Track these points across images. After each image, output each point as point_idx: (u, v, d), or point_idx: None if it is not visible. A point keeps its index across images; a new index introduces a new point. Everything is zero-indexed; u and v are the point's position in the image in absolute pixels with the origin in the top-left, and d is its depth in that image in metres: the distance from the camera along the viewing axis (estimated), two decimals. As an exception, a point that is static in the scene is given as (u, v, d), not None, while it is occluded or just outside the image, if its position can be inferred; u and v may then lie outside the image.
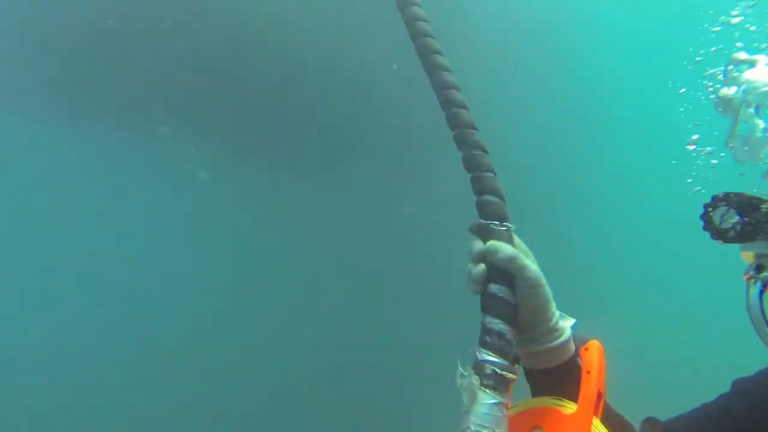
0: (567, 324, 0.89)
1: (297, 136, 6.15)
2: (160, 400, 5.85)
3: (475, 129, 0.86)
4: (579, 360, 0.88)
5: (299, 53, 5.41)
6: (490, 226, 0.85)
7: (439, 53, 0.82)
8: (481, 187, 0.86)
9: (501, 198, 0.87)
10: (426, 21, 0.81)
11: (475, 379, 0.76)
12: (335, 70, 5.64)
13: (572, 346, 0.88)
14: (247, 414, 5.99)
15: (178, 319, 6.20)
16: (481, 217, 0.86)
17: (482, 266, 0.83)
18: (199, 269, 6.48)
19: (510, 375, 0.79)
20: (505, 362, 0.79)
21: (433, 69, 0.83)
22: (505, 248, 0.83)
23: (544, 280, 0.84)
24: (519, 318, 0.83)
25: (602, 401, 0.85)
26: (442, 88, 0.84)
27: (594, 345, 0.89)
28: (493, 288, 0.83)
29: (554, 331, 0.86)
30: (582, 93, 10.51)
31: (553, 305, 0.87)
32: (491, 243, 0.83)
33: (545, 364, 0.87)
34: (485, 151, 0.87)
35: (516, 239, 0.87)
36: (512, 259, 0.82)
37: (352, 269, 6.54)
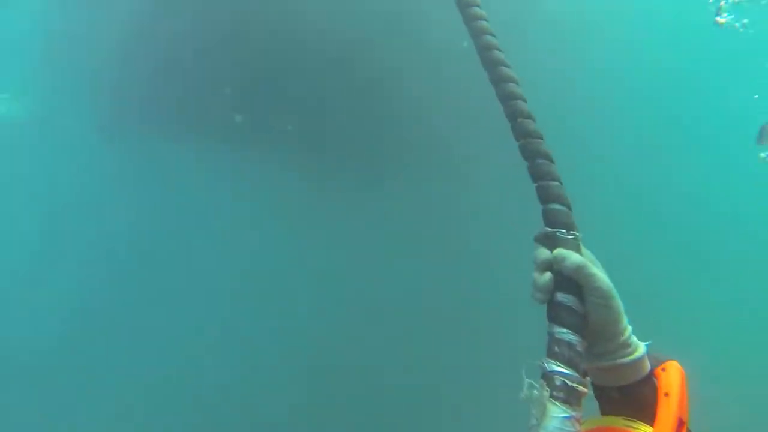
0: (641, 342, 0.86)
1: (351, 151, 6.24)
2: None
3: (541, 138, 0.86)
4: (655, 381, 0.83)
5: (353, 66, 5.49)
6: (557, 234, 0.84)
7: (505, 65, 0.83)
8: (546, 195, 0.86)
9: (567, 206, 0.86)
10: (492, 34, 0.83)
11: (546, 391, 0.75)
12: (387, 82, 5.67)
13: (647, 365, 0.84)
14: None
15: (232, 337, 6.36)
16: (546, 226, 0.86)
17: (548, 275, 0.82)
18: (254, 286, 6.64)
19: (581, 388, 0.76)
20: (575, 374, 0.77)
21: (498, 80, 0.84)
22: (572, 256, 0.81)
23: (614, 292, 0.82)
24: (588, 330, 0.81)
25: (685, 429, 0.80)
26: (507, 99, 0.85)
27: (674, 366, 0.84)
28: (560, 297, 0.82)
29: (627, 346, 0.83)
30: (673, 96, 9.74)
31: (625, 319, 0.84)
32: (558, 251, 0.82)
33: (617, 381, 0.84)
34: (551, 160, 0.86)
35: (583, 249, 0.85)
36: (580, 268, 0.80)
37: (406, 283, 6.52)
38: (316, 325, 6.35)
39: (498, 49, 0.84)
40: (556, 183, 0.86)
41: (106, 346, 6.42)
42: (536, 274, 0.84)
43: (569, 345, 0.79)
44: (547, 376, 0.77)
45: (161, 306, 6.42)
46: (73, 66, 6.00)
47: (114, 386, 6.06)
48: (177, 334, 6.20)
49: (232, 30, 5.11)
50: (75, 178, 6.75)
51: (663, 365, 0.85)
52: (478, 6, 0.83)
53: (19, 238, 6.96)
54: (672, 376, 0.82)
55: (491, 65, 0.84)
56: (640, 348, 0.84)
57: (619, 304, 0.82)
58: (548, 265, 0.83)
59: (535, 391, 0.76)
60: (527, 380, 0.76)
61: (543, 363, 0.79)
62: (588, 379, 0.84)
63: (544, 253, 0.84)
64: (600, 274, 0.82)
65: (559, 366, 0.78)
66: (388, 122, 6.04)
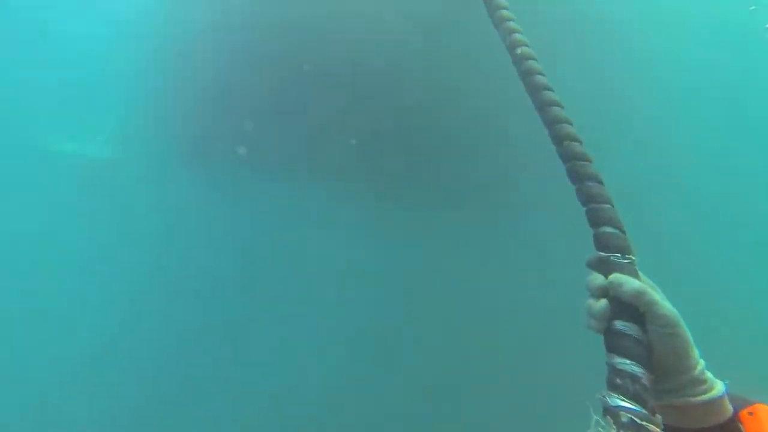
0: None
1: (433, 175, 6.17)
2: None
3: (589, 160, 0.85)
4: (741, 426, 0.73)
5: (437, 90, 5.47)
6: (611, 258, 0.80)
7: (548, 89, 0.85)
8: (597, 219, 0.82)
9: (620, 230, 0.81)
10: (535, 59, 0.85)
11: (612, 429, 0.66)
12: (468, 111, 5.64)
13: (729, 407, 0.74)
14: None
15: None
16: (599, 250, 0.81)
17: (604, 301, 0.76)
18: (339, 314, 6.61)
19: (653, 427, 0.67)
20: (643, 411, 0.68)
21: (543, 105, 0.85)
22: (630, 281, 0.76)
23: (681, 320, 0.75)
24: (654, 362, 0.73)
25: None
26: (553, 123, 0.85)
27: (763, 411, 0.74)
28: (619, 325, 0.75)
29: (700, 382, 0.74)
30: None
31: (696, 351, 0.75)
32: (614, 276, 0.77)
33: (693, 423, 0.73)
34: (600, 182, 0.84)
35: (641, 274, 0.80)
36: (640, 294, 0.74)
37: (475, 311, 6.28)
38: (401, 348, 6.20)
39: (541, 74, 0.86)
40: (608, 205, 0.83)
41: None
42: (591, 301, 0.78)
43: (633, 377, 0.71)
44: (612, 412, 0.69)
45: (256, 340, 6.50)
46: (161, 107, 6.45)
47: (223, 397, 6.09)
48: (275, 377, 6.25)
49: (321, 66, 5.20)
50: (165, 214, 7.09)
51: (750, 408, 0.74)
52: (520, 32, 0.87)
53: (116, 270, 7.23)
54: (763, 422, 0.72)
55: (534, 90, 0.86)
56: (718, 386, 0.74)
57: (687, 333, 0.75)
58: (603, 292, 0.78)
59: (601, 430, 0.67)
60: (595, 417, 0.68)
61: (604, 396, 0.71)
62: (659, 417, 0.74)
63: (598, 278, 0.79)
64: (663, 301, 0.75)
65: (623, 401, 0.69)
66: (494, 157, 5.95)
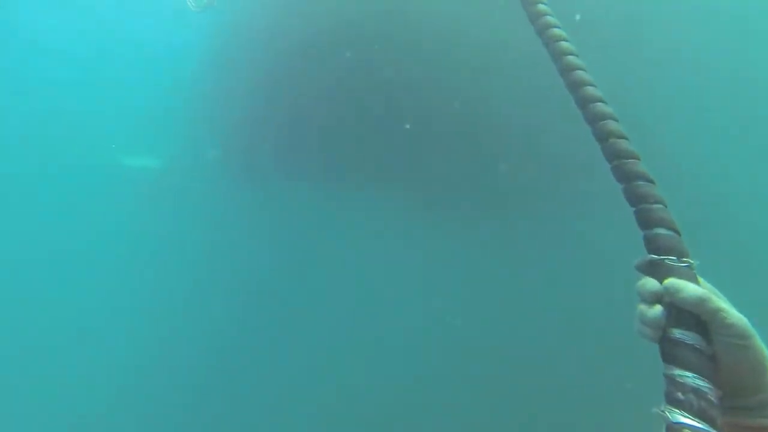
0: None
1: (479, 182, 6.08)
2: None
3: (636, 158, 0.79)
4: None
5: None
6: (665, 262, 0.73)
7: (590, 84, 0.81)
8: (648, 220, 0.76)
9: (675, 231, 0.75)
10: (576, 54, 0.82)
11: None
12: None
13: None
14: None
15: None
16: (651, 253, 0.74)
17: (659, 308, 0.70)
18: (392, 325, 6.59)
19: (721, 448, 0.59)
20: (711, 430, 0.60)
21: (584, 101, 0.81)
22: (689, 287, 0.69)
23: (753, 330, 0.67)
24: (723, 376, 0.65)
25: None
26: (596, 120, 0.80)
27: None
28: (678, 334, 0.68)
29: None
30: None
31: None
32: (671, 281, 0.70)
33: None
34: (651, 181, 0.78)
35: (701, 279, 0.72)
36: (702, 301, 0.67)
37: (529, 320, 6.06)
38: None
39: (582, 69, 0.82)
40: (659, 205, 0.77)
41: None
42: (643, 307, 0.71)
43: (697, 392, 0.63)
44: (674, 429, 0.61)
45: (312, 347, 6.63)
46: (208, 118, 6.77)
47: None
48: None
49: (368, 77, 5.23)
50: (213, 223, 7.38)
51: None
52: (558, 27, 0.84)
53: (172, 278, 7.56)
54: None
55: (574, 86, 0.82)
56: None
57: (761, 345, 0.66)
58: (657, 297, 0.71)
59: None
60: None
61: (664, 411, 0.63)
62: None
63: (650, 283, 0.72)
64: (731, 309, 0.68)
65: (687, 417, 0.62)
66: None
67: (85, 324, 7.17)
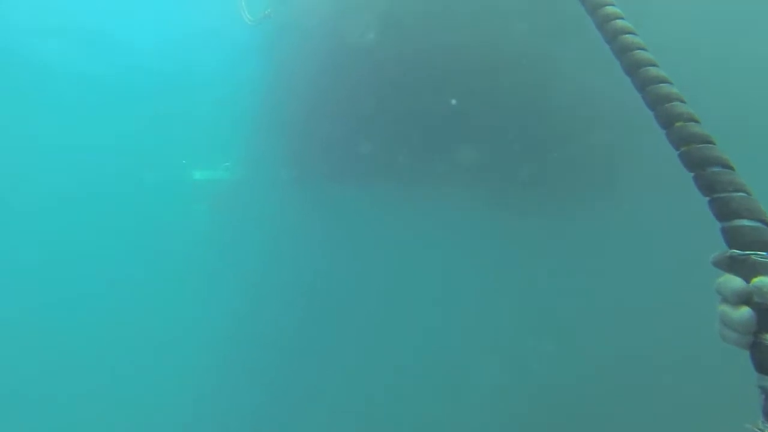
0: None
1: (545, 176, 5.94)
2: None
3: (711, 142, 0.71)
4: None
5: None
6: (752, 258, 0.64)
7: (653, 64, 0.73)
8: (728, 210, 0.67)
9: (764, 222, 0.66)
10: (645, 49, 0.75)
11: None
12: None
13: None
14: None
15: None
16: (732, 247, 0.66)
17: (746, 310, 0.61)
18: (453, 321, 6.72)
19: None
20: None
21: (645, 82, 0.74)
22: None
23: None
24: None
25: None
26: (660, 102, 0.73)
27: None
28: None
29: None
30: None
31: None
32: (761, 280, 0.62)
33: None
34: (729, 167, 0.69)
35: None
36: None
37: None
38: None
39: (642, 48, 0.75)
40: (741, 194, 0.68)
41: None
42: (726, 308, 0.63)
43: None
44: None
45: (361, 344, 6.92)
46: (276, 131, 7.09)
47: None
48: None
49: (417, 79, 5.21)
50: (283, 227, 7.80)
51: None
52: (621, 18, 0.78)
53: (243, 279, 8.11)
54: None
55: (634, 68, 0.75)
56: None
57: None
58: (744, 297, 0.63)
59: None
60: None
61: (762, 430, 0.55)
62: None
63: (734, 281, 0.64)
64: None
65: None
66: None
67: (175, 325, 7.78)
